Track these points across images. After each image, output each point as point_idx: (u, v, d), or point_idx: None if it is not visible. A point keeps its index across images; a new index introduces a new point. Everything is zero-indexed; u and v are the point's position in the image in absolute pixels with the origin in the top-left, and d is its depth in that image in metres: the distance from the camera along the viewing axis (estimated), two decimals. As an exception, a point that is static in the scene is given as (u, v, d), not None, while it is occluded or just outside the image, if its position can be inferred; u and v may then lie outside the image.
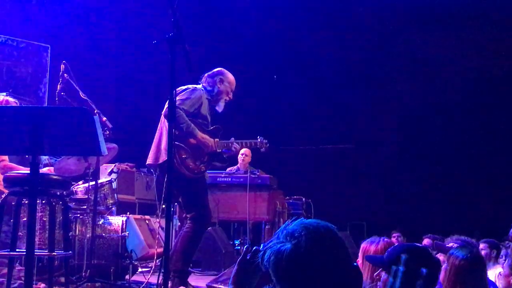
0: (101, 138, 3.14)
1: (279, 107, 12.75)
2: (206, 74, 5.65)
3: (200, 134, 5.36)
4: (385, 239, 3.57)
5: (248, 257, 2.20)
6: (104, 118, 5.67)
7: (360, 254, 3.50)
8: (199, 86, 5.53)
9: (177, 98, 5.21)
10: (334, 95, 12.53)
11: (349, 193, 13.44)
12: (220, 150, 5.59)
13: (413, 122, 13.12)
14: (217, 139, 5.56)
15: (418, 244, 2.87)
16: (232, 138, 5.72)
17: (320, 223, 1.85)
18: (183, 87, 5.43)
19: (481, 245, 5.73)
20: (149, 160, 5.41)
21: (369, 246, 3.49)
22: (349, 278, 1.79)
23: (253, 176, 8.26)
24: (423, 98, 12.81)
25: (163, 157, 5.21)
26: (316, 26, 12.24)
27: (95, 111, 5.37)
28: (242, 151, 9.42)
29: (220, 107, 5.69)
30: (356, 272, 1.81)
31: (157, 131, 5.45)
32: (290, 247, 1.77)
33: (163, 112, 5.39)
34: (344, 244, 1.82)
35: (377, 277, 3.22)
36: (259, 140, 6.00)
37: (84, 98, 5.63)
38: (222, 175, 8.45)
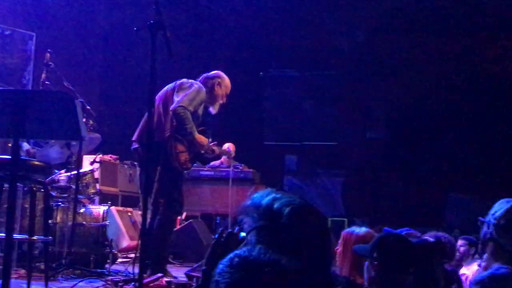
0: (82, 123, 3.18)
1: (265, 102, 12.78)
2: (204, 75, 5.76)
3: (197, 135, 5.48)
4: (367, 229, 3.61)
5: (222, 240, 2.23)
6: (88, 107, 5.70)
7: (340, 243, 3.52)
8: (202, 85, 5.61)
9: (185, 97, 5.30)
10: (319, 92, 12.58)
11: (331, 188, 13.53)
12: (203, 152, 5.73)
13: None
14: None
15: (397, 232, 2.92)
16: (215, 142, 5.93)
17: (305, 202, 1.86)
18: (188, 83, 5.49)
19: (460, 242, 5.80)
20: (135, 137, 5.49)
21: (349, 235, 3.51)
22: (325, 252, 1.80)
23: (236, 170, 8.31)
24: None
25: (158, 137, 5.28)
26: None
27: (78, 99, 5.38)
28: (226, 145, 9.47)
29: (214, 110, 5.82)
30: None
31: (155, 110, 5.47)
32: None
33: (160, 98, 5.45)
34: (327, 230, 1.84)
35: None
36: (227, 149, 6.65)
37: (68, 87, 5.65)
38: (205, 169, 8.48)
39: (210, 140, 5.88)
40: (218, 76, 5.79)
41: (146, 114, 5.45)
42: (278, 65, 12.56)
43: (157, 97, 5.49)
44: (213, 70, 5.94)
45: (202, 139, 5.56)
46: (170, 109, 5.34)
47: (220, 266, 1.51)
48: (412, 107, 12.96)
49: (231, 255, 1.52)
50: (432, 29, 12.17)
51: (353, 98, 13.47)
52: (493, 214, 2.77)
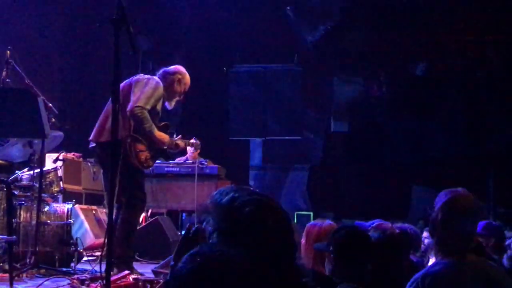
0: (45, 121, 3.14)
1: (229, 98, 12.78)
2: (164, 70, 5.65)
3: (157, 133, 5.42)
4: (329, 222, 3.66)
5: (190, 234, 2.23)
6: (50, 105, 5.63)
7: (304, 235, 3.57)
8: (159, 80, 5.52)
9: (141, 95, 5.23)
10: (283, 86, 12.62)
11: (297, 182, 13.62)
12: (166, 148, 5.68)
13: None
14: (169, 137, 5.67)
15: (351, 224, 2.97)
16: (180, 136, 5.87)
17: (266, 198, 1.85)
18: (144, 79, 5.39)
19: (425, 234, 5.90)
20: (91, 137, 5.43)
21: (313, 227, 3.57)
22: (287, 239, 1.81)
23: (201, 166, 8.29)
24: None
25: (106, 137, 5.21)
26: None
27: (40, 97, 5.31)
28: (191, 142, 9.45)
29: (171, 105, 5.75)
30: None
31: (105, 111, 5.40)
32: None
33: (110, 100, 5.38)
34: (290, 224, 1.83)
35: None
36: (194, 141, 6.35)
37: (30, 84, 5.57)
38: (171, 165, 8.45)
39: (174, 134, 5.83)
40: (179, 72, 5.70)
41: (103, 113, 5.42)
42: (242, 60, 12.56)
43: None
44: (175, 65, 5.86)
45: (162, 136, 5.50)
46: (127, 109, 5.26)
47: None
48: (375, 100, 13.13)
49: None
50: (393, 23, 12.31)
51: (317, 92, 13.58)
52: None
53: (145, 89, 5.30)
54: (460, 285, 2.56)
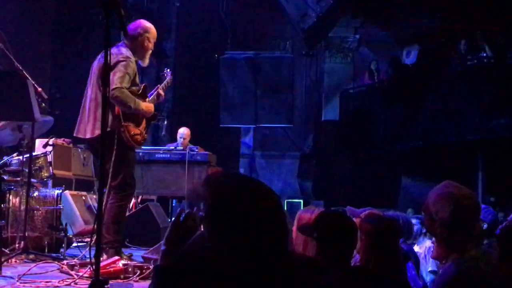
0: (34, 104, 3.11)
1: (221, 85, 12.75)
2: (129, 35, 5.32)
3: (143, 105, 5.34)
4: (320, 209, 3.66)
5: (181, 219, 2.23)
6: (40, 89, 5.57)
7: (295, 222, 3.56)
8: (126, 51, 5.32)
9: (114, 77, 5.08)
10: (275, 73, 12.60)
11: (288, 170, 13.64)
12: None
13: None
14: (148, 99, 5.56)
15: (335, 210, 2.97)
16: (156, 91, 5.76)
17: (256, 182, 1.86)
18: (114, 58, 5.13)
19: (413, 221, 5.94)
20: (88, 134, 5.30)
21: (303, 214, 3.56)
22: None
23: (192, 152, 8.28)
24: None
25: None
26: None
27: (29, 80, 5.25)
28: (181, 132, 9.43)
29: (145, 63, 5.60)
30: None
31: (91, 101, 5.31)
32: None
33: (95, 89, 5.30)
34: (281, 208, 1.82)
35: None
36: (166, 75, 6.13)
37: (19, 68, 5.51)
38: (161, 151, 8.44)
39: (165, 121, 5.76)
40: (145, 31, 5.47)
41: (90, 105, 5.31)
42: (234, 47, 12.52)
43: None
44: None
45: (148, 106, 5.39)
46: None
47: None
48: (366, 88, 13.14)
49: None
50: (384, 11, 12.28)
51: (308, 79, 13.58)
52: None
53: (115, 70, 5.14)
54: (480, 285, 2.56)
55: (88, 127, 5.27)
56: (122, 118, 5.20)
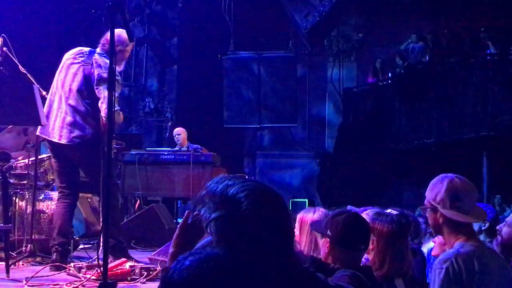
0: (40, 108, 3.13)
1: (224, 85, 12.77)
2: (106, 45, 5.30)
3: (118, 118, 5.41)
4: (320, 208, 3.64)
5: (189, 221, 2.23)
6: (44, 93, 5.59)
7: (297, 225, 3.53)
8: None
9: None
10: (274, 74, 12.62)
11: (291, 170, 13.64)
12: None
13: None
14: None
15: (350, 210, 2.95)
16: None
17: (260, 185, 1.86)
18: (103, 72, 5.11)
19: (420, 219, 5.93)
20: (62, 139, 5.14)
21: (305, 215, 3.54)
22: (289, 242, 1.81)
23: (196, 153, 8.29)
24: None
25: (89, 131, 5.14)
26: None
27: (35, 84, 5.27)
28: (175, 131, 9.43)
29: (120, 67, 5.57)
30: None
31: (70, 106, 5.26)
32: (226, 213, 1.76)
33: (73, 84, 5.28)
34: (286, 209, 1.83)
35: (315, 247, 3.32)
36: None
37: (24, 72, 5.53)
38: (166, 153, 8.45)
39: (169, 123, 5.79)
40: (121, 43, 5.30)
41: (69, 110, 5.26)
42: (236, 47, 12.53)
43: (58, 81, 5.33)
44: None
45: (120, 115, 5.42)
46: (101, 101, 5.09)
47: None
48: (370, 87, 13.13)
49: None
50: (387, 10, 12.29)
51: (311, 79, 13.58)
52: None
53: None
54: (489, 266, 2.66)
55: (63, 132, 5.15)
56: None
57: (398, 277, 2.96)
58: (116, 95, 4.98)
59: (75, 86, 5.24)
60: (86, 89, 5.20)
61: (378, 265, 2.91)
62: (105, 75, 4.98)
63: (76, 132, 5.12)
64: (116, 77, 5.04)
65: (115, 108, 4.93)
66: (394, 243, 2.97)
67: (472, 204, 2.76)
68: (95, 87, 5.11)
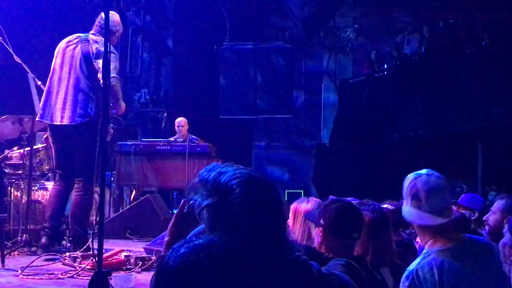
0: (35, 98, 3.13)
1: (220, 76, 12.75)
2: (99, 27, 5.45)
3: (123, 102, 5.47)
4: (314, 198, 3.65)
5: (185, 210, 2.24)
6: (39, 82, 5.58)
7: (290, 216, 3.54)
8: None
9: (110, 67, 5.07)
10: (270, 65, 12.60)
11: (287, 161, 13.64)
12: None
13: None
14: None
15: (345, 200, 2.96)
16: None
17: (253, 172, 1.86)
18: (100, 47, 5.20)
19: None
20: (65, 120, 5.26)
21: (299, 205, 3.54)
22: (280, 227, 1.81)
23: (192, 144, 8.30)
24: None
25: (81, 114, 5.18)
26: None
27: (30, 74, 5.25)
28: (177, 121, 9.43)
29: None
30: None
31: (71, 86, 5.33)
32: (217, 200, 1.76)
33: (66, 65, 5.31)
34: (279, 196, 1.83)
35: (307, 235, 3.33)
36: None
37: (19, 61, 5.51)
38: (161, 143, 8.45)
39: (165, 113, 5.81)
40: (114, 27, 5.49)
41: (70, 89, 5.30)
42: (232, 38, 12.50)
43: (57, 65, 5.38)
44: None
45: (124, 105, 5.54)
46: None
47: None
48: (365, 78, 13.13)
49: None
50: (384, 1, 12.26)
51: (307, 70, 13.55)
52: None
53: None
54: (463, 265, 2.62)
55: (65, 113, 5.25)
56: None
57: (384, 266, 2.98)
58: (113, 66, 5.06)
59: (75, 65, 5.33)
60: (86, 65, 5.28)
61: (361, 254, 2.93)
62: (103, 49, 5.01)
63: (79, 112, 5.19)
64: (112, 51, 5.13)
65: (112, 75, 4.99)
66: (376, 232, 2.99)
67: (437, 205, 2.69)
68: (93, 60, 5.19)
